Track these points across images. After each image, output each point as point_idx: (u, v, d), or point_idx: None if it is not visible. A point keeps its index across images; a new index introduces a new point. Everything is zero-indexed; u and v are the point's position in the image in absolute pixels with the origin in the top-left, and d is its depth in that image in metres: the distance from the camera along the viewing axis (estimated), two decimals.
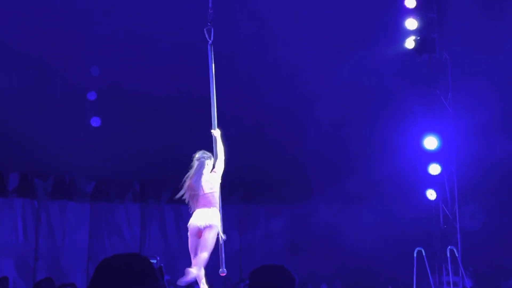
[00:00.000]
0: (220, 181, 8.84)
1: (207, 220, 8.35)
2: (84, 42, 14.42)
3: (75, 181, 16.45)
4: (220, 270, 8.84)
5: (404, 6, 13.33)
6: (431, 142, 13.00)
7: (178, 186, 17.25)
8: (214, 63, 8.74)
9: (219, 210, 8.91)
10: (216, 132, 8.79)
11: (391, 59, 14.09)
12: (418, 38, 13.31)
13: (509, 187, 14.11)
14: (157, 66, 14.88)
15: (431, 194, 13.02)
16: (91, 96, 15.18)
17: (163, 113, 15.23)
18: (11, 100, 14.28)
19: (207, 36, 8.80)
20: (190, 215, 16.88)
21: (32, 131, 14.48)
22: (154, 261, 10.73)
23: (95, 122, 15.32)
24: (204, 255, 8.30)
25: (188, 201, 8.61)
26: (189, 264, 16.75)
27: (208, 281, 15.28)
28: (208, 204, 8.50)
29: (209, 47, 8.90)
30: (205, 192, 8.44)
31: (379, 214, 15.13)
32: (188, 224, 8.61)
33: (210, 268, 15.96)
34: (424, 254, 12.23)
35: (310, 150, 15.40)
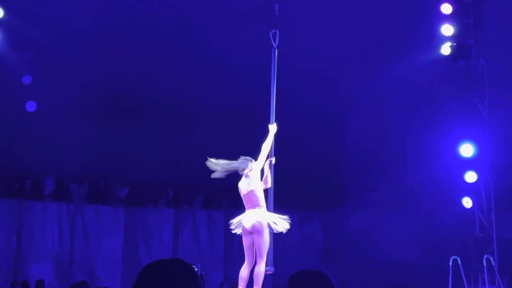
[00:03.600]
0: (258, 178, 8.63)
1: (251, 222, 8.27)
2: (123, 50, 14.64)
3: (109, 186, 16.66)
4: (267, 268, 8.47)
5: (440, 12, 13.38)
6: (467, 150, 12.99)
7: (211, 191, 17.43)
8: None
9: (269, 207, 8.86)
10: (272, 127, 8.90)
11: (427, 66, 14.04)
12: (454, 44, 13.36)
13: None
14: (190, 77, 15.04)
15: (467, 202, 12.98)
16: (27, 80, 14.73)
17: (196, 121, 15.28)
18: (50, 108, 14.59)
19: (272, 40, 9.01)
20: (222, 221, 17.11)
21: (68, 139, 14.77)
22: (196, 268, 10.86)
23: (31, 106, 14.84)
24: (259, 261, 8.28)
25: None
26: (220, 269, 16.85)
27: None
28: (252, 204, 8.43)
29: (273, 50, 9.08)
30: (244, 193, 8.44)
31: (414, 221, 15.04)
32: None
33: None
34: (459, 262, 12.06)
35: (345, 156, 15.35)
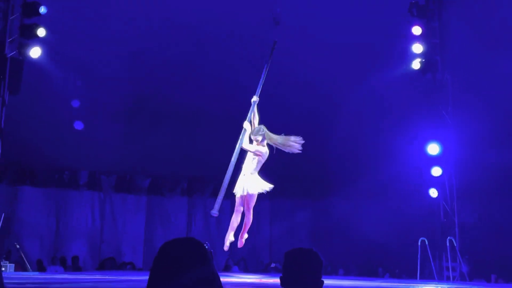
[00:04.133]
0: (247, 143, 8.25)
1: (240, 188, 8.21)
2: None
3: (134, 178, 16.71)
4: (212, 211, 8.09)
5: (412, 33, 13.44)
6: (433, 149, 13.08)
7: (219, 182, 17.43)
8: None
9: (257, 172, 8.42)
10: (255, 98, 8.32)
11: (401, 78, 13.99)
12: (423, 60, 13.34)
13: (500, 187, 13.91)
14: (202, 86, 15.14)
15: (433, 193, 13.07)
16: (75, 103, 14.77)
17: (207, 123, 15.36)
18: (85, 111, 14.79)
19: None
20: (228, 207, 17.16)
21: (100, 138, 14.85)
22: (206, 245, 11.01)
23: (78, 125, 14.90)
24: (248, 213, 8.44)
25: None
26: (225, 253, 16.78)
27: (242, 264, 15.61)
28: (245, 171, 8.25)
29: (273, 43, 8.56)
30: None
31: (389, 209, 14.95)
32: None
33: (246, 251, 16.28)
34: (427, 243, 12.37)
35: (331, 155, 15.26)
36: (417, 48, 13.42)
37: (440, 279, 12.34)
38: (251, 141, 8.28)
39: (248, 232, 17.10)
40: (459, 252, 12.38)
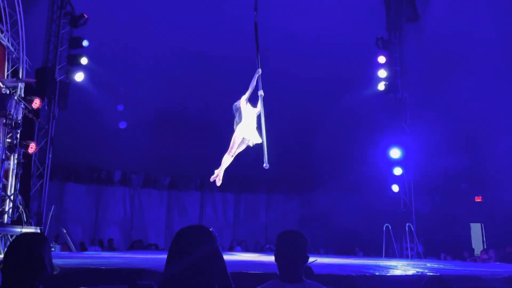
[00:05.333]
0: (238, 108, 7.82)
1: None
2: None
3: (157, 176, 16.73)
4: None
5: (377, 62, 13.48)
6: (395, 153, 12.97)
7: (225, 180, 17.37)
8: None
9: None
10: (258, 70, 7.72)
11: (369, 97, 14.03)
12: (387, 83, 13.28)
13: (448, 183, 13.98)
14: (214, 100, 15.02)
15: (395, 188, 13.00)
16: (122, 125, 14.87)
17: (217, 131, 15.19)
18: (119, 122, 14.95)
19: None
20: (232, 200, 17.04)
21: (130, 143, 14.75)
22: (211, 229, 10.98)
23: (122, 125, 14.89)
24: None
25: None
26: (230, 232, 16.64)
27: (244, 246, 15.57)
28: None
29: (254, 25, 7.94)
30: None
31: (360, 201, 14.97)
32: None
33: (246, 234, 16.21)
34: (390, 228, 12.29)
35: (315, 157, 15.20)
36: (382, 73, 13.40)
37: (401, 256, 12.29)
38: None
39: (247, 221, 17.13)
40: (416, 235, 12.31)
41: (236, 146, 7.77)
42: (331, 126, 15.08)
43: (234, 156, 7.86)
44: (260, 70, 7.75)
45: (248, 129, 7.75)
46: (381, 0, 13.67)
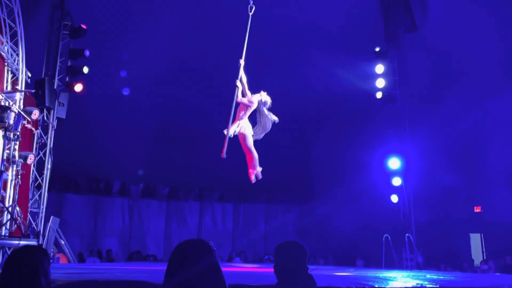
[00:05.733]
0: (240, 97, 7.71)
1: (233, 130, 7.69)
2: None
3: (156, 187, 16.67)
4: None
5: (375, 72, 13.62)
6: (394, 163, 13.03)
7: (224, 190, 17.29)
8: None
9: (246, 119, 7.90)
10: (242, 61, 7.79)
11: (367, 107, 14.03)
12: (385, 93, 13.30)
13: (446, 193, 13.96)
14: (213, 112, 15.10)
15: (394, 198, 13.03)
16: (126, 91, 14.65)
17: (215, 144, 15.34)
18: (118, 133, 14.64)
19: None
20: (231, 210, 16.97)
21: (129, 154, 14.86)
22: (211, 243, 10.81)
23: (126, 91, 14.76)
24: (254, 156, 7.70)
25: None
26: (229, 243, 16.59)
27: (243, 256, 15.52)
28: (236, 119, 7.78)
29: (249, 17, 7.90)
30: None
31: (359, 211, 14.73)
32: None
33: (245, 245, 16.15)
34: (390, 239, 12.32)
35: (314, 169, 15.38)
36: (380, 83, 13.46)
37: (401, 267, 12.26)
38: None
39: (246, 231, 17.08)
40: (415, 246, 12.31)
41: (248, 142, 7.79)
42: (330, 136, 15.09)
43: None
44: (243, 62, 7.86)
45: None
46: (379, 11, 13.76)
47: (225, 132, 7.60)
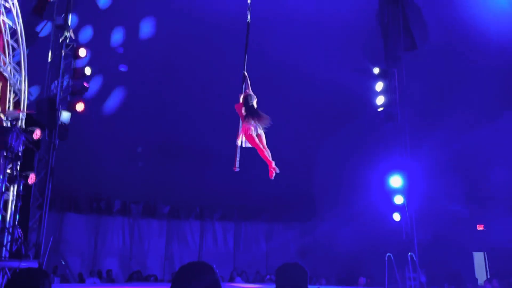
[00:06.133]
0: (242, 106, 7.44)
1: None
2: None
3: (157, 206, 16.59)
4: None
5: (375, 89, 13.55)
6: (396, 181, 12.72)
7: (225, 209, 17.23)
8: None
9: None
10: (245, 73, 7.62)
11: (368, 125, 14.03)
12: (386, 111, 13.01)
13: (448, 213, 13.89)
14: (212, 130, 14.98)
15: (396, 217, 12.73)
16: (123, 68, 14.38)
17: (216, 161, 15.24)
18: (118, 152, 14.84)
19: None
20: (232, 229, 16.85)
21: (130, 173, 14.94)
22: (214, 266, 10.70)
23: (123, 68, 14.52)
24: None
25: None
26: (230, 263, 16.40)
27: (244, 276, 15.41)
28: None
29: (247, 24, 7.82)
30: None
31: (362, 230, 14.70)
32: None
33: (246, 264, 16.01)
34: (392, 258, 12.05)
35: (316, 187, 15.29)
36: (380, 100, 13.34)
37: (404, 287, 12.06)
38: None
39: (247, 250, 16.95)
40: (418, 265, 12.06)
41: (257, 140, 7.42)
42: (332, 154, 15.07)
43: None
44: (246, 74, 7.68)
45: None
46: (378, 30, 13.87)
47: (237, 143, 7.42)
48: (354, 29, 13.98)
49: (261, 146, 7.35)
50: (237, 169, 7.37)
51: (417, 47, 13.82)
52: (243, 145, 7.44)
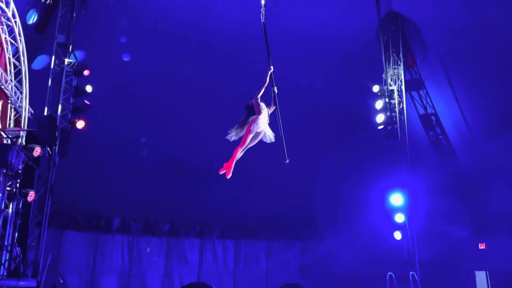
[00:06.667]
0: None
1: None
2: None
3: (156, 223, 16.48)
4: None
5: (375, 108, 13.52)
6: (397, 199, 12.75)
7: (225, 227, 17.20)
8: None
9: None
10: (270, 68, 7.39)
11: (368, 143, 14.01)
12: (387, 128, 13.13)
13: (450, 231, 13.84)
14: (211, 150, 15.16)
15: (397, 235, 12.75)
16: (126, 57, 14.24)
17: (216, 180, 15.29)
18: (119, 171, 14.85)
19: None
20: (232, 247, 16.75)
21: (129, 191, 14.95)
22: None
23: (126, 57, 14.31)
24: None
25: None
26: (231, 280, 16.26)
27: None
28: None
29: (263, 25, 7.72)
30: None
31: (363, 247, 14.74)
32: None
33: (247, 282, 15.82)
34: (393, 277, 12.10)
35: (317, 206, 15.30)
36: (380, 118, 13.44)
37: None
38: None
39: (248, 268, 16.83)
40: (420, 284, 12.01)
41: (249, 139, 7.26)
42: (332, 172, 15.10)
43: (245, 149, 7.38)
44: (272, 68, 7.48)
45: (264, 122, 7.35)
46: (378, 48, 14.00)
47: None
48: (354, 47, 14.09)
49: (245, 144, 7.22)
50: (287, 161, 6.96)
51: (417, 65, 13.97)
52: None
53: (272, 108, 7.49)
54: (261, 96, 7.32)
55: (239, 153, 7.32)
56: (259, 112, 7.23)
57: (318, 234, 16.47)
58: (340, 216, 15.26)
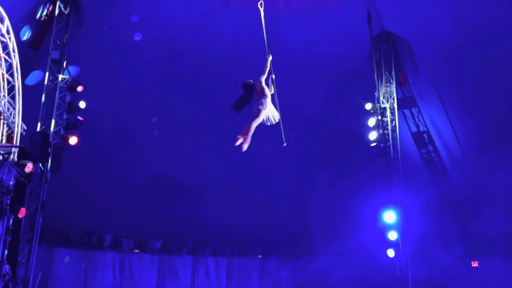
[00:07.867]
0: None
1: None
2: None
3: (148, 240, 16.43)
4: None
5: (367, 125, 13.73)
6: (390, 217, 12.77)
7: (218, 244, 17.16)
8: None
9: None
10: (269, 57, 7.85)
11: (361, 160, 14.09)
12: (380, 145, 13.20)
13: (442, 251, 13.87)
14: (205, 166, 15.30)
15: (391, 253, 12.73)
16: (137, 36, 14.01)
17: (209, 196, 15.44)
18: (110, 187, 14.79)
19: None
20: (225, 264, 16.69)
21: (121, 208, 14.92)
22: None
23: (137, 36, 13.96)
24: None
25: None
26: None
27: None
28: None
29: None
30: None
31: (355, 265, 14.75)
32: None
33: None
34: None
35: (311, 224, 15.32)
36: (373, 135, 13.52)
37: None
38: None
39: (240, 286, 16.80)
40: None
41: (263, 115, 7.53)
42: (326, 190, 15.23)
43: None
44: (271, 56, 7.91)
45: (270, 103, 7.66)
46: (370, 66, 14.17)
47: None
48: (347, 65, 14.26)
49: (257, 120, 7.43)
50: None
51: (409, 83, 14.13)
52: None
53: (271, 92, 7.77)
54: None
55: (253, 128, 7.40)
56: (263, 94, 7.50)
57: (311, 251, 16.43)
58: (334, 234, 15.22)
